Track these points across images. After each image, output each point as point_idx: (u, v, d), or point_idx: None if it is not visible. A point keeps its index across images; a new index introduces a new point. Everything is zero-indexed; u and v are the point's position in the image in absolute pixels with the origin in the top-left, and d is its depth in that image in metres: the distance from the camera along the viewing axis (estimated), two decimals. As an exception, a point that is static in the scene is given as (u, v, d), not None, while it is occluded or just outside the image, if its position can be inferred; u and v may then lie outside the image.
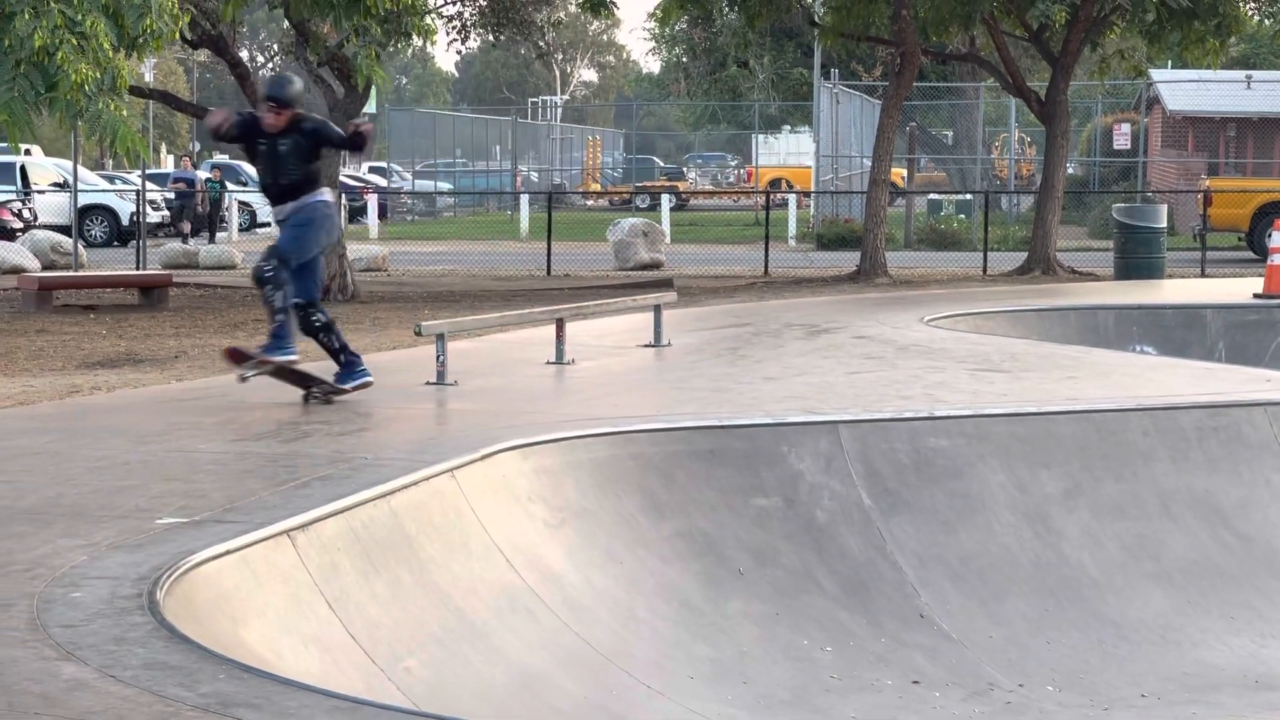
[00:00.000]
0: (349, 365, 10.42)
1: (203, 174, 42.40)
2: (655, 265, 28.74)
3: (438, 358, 11.26)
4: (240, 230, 39.64)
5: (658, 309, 13.97)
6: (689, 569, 8.47)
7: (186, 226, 35.33)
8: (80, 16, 13.71)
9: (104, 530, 6.75)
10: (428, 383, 11.20)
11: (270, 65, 72.27)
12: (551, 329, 12.66)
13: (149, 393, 11.48)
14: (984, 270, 25.97)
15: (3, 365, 13.42)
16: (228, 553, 6.47)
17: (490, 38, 31.80)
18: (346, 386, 10.36)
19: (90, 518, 7.01)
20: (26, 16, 13.61)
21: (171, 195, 36.83)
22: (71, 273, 24.56)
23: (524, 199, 41.20)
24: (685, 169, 67.59)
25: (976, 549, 9.09)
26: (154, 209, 35.01)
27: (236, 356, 10.19)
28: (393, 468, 8.12)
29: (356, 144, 10.14)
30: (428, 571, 7.37)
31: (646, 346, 13.64)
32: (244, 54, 24.58)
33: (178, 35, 15.42)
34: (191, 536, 6.63)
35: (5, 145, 41.45)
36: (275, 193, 10.18)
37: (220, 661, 5.19)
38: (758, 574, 8.60)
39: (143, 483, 7.83)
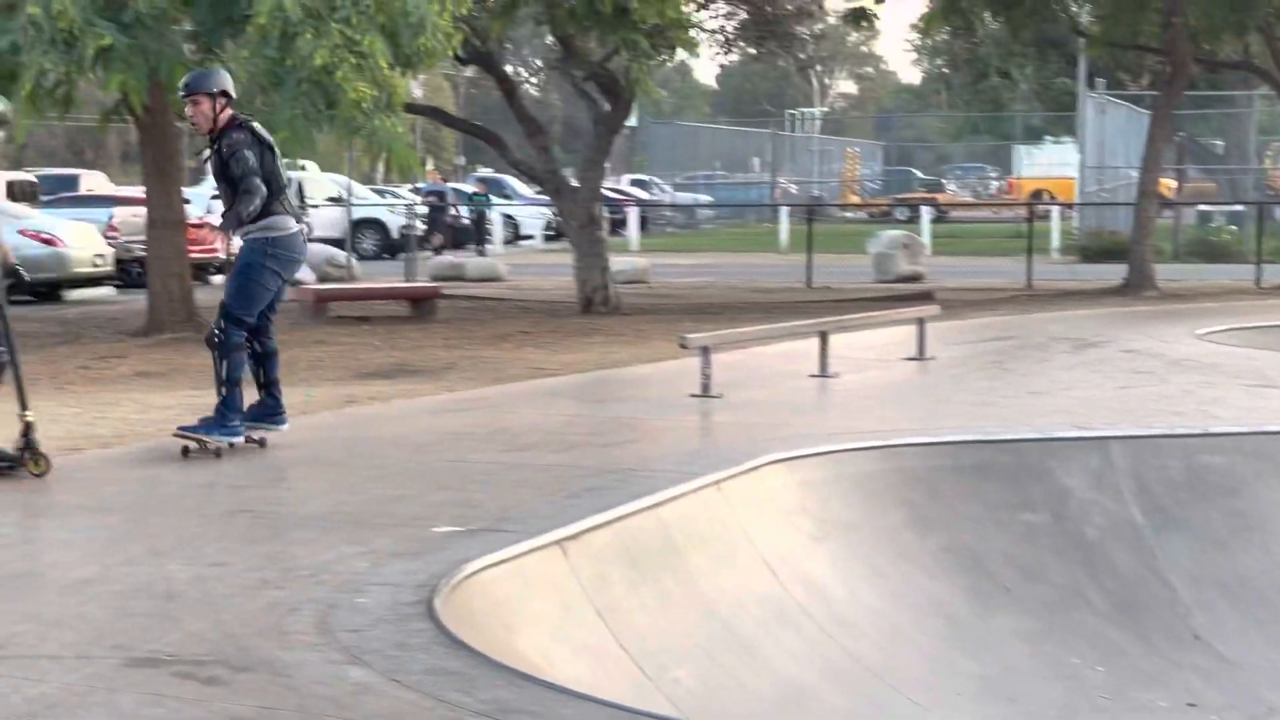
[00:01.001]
0: (222, 415, 8.81)
1: (467, 187, 43.18)
2: (916, 278, 28.52)
3: (702, 370, 11.35)
4: (505, 242, 40.30)
5: (920, 322, 13.89)
6: (955, 584, 8.42)
7: (438, 239, 35.98)
8: (359, 36, 14.12)
9: (383, 538, 6.94)
10: (692, 395, 11.29)
11: (534, 80, 73.32)
12: (814, 342, 12.68)
13: (422, 403, 11.76)
14: (1258, 283, 25.28)
15: (283, 375, 13.84)
16: (502, 561, 6.61)
17: (752, 50, 31.90)
18: (208, 438, 8.76)
19: (370, 525, 7.21)
20: (308, 36, 14.05)
21: (426, 209, 37.38)
22: (345, 285, 25.22)
23: (783, 211, 41.21)
24: (944, 181, 66.95)
25: (1254, 569, 8.88)
26: (420, 222, 35.77)
27: (183, 434, 8.77)
28: (660, 479, 8.21)
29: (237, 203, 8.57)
30: (694, 582, 7.44)
31: (910, 360, 13.57)
32: (509, 69, 25.05)
33: (450, 52, 15.77)
34: (467, 545, 6.78)
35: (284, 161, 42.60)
36: (224, 210, 8.93)
37: (498, 669, 5.31)
38: (1025, 590, 8.51)
39: (419, 492, 8.03)
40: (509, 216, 43.05)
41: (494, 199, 41.87)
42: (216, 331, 8.73)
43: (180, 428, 8.73)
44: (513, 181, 48.37)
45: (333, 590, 6.07)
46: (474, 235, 36.68)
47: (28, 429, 8.30)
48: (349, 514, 7.46)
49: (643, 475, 8.37)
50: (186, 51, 15.86)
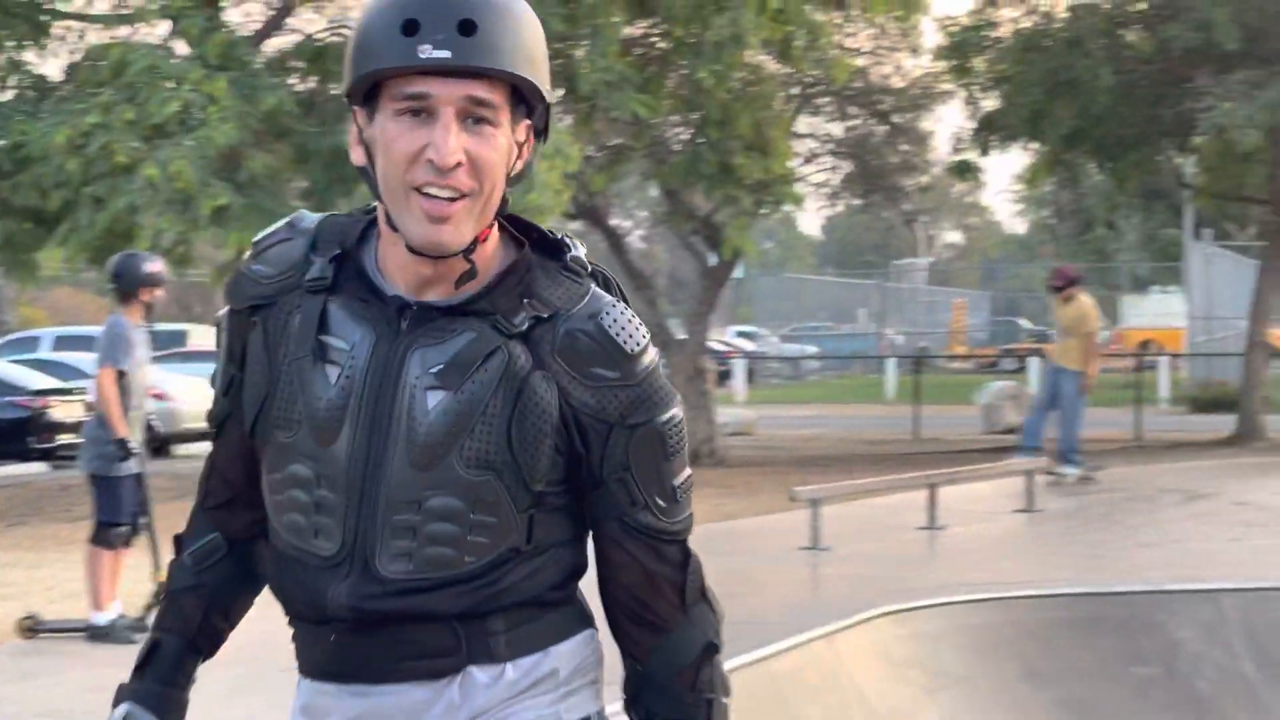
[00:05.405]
0: None
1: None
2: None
3: (811, 523, 11.39)
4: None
5: (1029, 474, 13.87)
6: (1068, 739, 8.37)
7: None
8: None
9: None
10: (801, 547, 11.33)
11: (640, 231, 74.09)
12: (922, 494, 12.69)
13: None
14: (1375, 434, 24.94)
15: None
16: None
17: (857, 201, 32.16)
18: None
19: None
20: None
21: None
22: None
23: (889, 362, 41.27)
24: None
25: (1372, 725, 8.76)
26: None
27: None
28: (771, 631, 8.24)
29: None
30: (805, 736, 7.45)
31: (1019, 512, 13.54)
32: (615, 221, 25.30)
33: (560, 210, 16.04)
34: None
35: None
36: None
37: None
38: (1139, 745, 8.45)
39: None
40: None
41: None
42: None
43: None
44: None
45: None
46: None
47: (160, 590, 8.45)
48: None
49: (753, 627, 8.39)
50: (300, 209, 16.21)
